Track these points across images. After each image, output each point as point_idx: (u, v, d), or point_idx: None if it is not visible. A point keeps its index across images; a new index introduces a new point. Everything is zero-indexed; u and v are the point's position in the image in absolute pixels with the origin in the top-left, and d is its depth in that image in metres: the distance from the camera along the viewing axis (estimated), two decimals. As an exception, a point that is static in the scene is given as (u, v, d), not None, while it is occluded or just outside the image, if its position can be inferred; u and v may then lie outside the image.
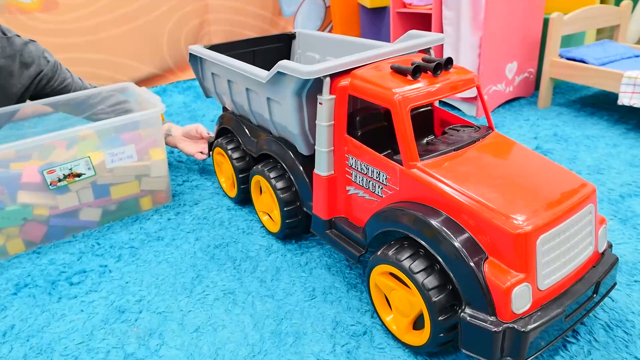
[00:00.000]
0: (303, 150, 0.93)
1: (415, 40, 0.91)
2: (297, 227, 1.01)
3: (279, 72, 0.85)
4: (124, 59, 2.16)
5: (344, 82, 0.80)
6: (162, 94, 2.17)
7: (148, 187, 1.18)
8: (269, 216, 1.08)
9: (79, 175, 1.07)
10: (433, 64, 0.76)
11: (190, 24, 2.32)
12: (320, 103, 0.81)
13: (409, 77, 0.76)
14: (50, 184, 1.04)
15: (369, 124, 0.84)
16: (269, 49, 1.28)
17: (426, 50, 0.94)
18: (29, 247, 1.08)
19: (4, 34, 1.18)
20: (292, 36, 1.32)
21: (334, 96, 0.81)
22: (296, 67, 0.79)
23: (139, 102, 1.31)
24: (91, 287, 0.94)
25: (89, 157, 1.07)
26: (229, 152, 1.15)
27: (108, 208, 1.15)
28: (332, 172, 0.87)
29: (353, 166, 0.83)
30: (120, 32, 2.14)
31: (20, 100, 1.24)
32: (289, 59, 1.33)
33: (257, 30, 2.53)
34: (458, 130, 0.84)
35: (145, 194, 1.19)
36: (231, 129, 1.16)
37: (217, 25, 2.41)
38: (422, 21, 1.83)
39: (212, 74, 1.14)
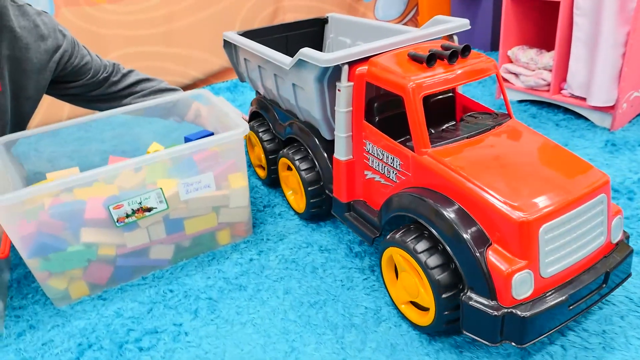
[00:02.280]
0: (326, 134, 0.95)
1: (439, 26, 0.90)
2: (321, 206, 1.03)
3: (301, 60, 0.86)
4: (195, 52, 1.99)
5: (362, 69, 0.81)
6: (234, 90, 1.99)
7: (226, 220, 1.00)
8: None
9: (149, 209, 0.90)
10: (449, 52, 0.75)
11: (264, 12, 2.11)
12: (338, 90, 0.83)
13: (425, 65, 0.76)
14: (118, 221, 0.88)
15: (386, 111, 0.84)
16: (302, 34, 1.29)
17: (450, 37, 0.92)
18: (94, 290, 0.93)
19: (14, 1, 1.02)
20: (324, 21, 1.31)
21: (351, 83, 0.83)
22: (315, 55, 0.82)
23: (213, 114, 1.13)
24: (164, 356, 0.78)
25: (161, 188, 0.89)
26: (260, 134, 1.20)
27: (181, 244, 0.98)
28: (351, 156, 0.89)
29: (370, 151, 0.85)
30: (191, 22, 1.97)
31: (41, 80, 1.08)
32: (321, 43, 1.34)
33: (334, 17, 2.29)
34: (476, 118, 0.83)
35: (223, 227, 1.01)
36: (262, 112, 1.21)
37: (292, 12, 2.19)
38: (545, 11, 1.52)
39: (245, 59, 1.16)
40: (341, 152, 0.89)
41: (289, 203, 1.15)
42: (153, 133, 1.19)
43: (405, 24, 2.47)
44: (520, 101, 1.57)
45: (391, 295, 0.82)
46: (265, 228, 1.07)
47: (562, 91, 1.43)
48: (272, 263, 0.96)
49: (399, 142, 0.78)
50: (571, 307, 0.67)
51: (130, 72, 1.23)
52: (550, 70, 1.44)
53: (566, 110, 1.46)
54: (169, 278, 0.95)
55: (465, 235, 0.66)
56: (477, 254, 0.65)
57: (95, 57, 1.18)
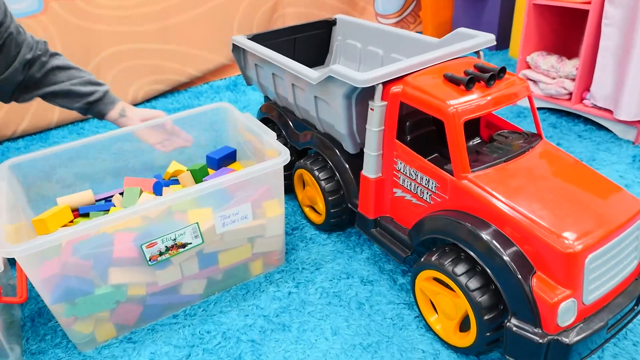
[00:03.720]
0: (350, 148, 0.93)
1: (467, 42, 0.87)
2: (342, 216, 1.01)
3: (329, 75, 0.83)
4: (192, 49, 1.88)
5: (396, 88, 0.79)
6: (234, 89, 1.90)
7: (261, 250, 0.93)
8: (313, 209, 1.08)
9: (184, 245, 0.83)
10: (487, 75, 0.74)
11: (263, 7, 2.01)
12: (371, 109, 0.81)
13: (462, 87, 0.74)
14: (150, 260, 0.80)
15: (418, 129, 0.83)
16: (310, 36, 1.27)
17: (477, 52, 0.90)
18: (121, 331, 0.85)
19: None
20: (332, 23, 1.29)
21: (385, 103, 0.80)
22: (349, 74, 0.78)
23: (234, 128, 1.05)
24: (213, 412, 0.72)
25: (197, 223, 0.82)
26: None
27: (214, 278, 0.91)
28: (380, 174, 0.87)
29: (401, 170, 0.83)
30: (187, 18, 1.85)
31: None
32: (328, 46, 1.32)
33: (335, 10, 2.20)
34: (507, 138, 0.81)
35: (257, 257, 0.94)
36: (274, 120, 1.17)
37: (292, 6, 2.08)
38: (566, 17, 1.49)
39: (256, 65, 1.13)
40: (371, 170, 0.87)
41: (305, 215, 1.10)
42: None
43: (404, 18, 2.41)
44: (539, 109, 1.54)
45: (426, 319, 0.82)
46: (298, 255, 1.01)
47: (584, 101, 1.40)
48: (313, 297, 0.90)
49: (433, 164, 0.77)
50: (609, 331, 0.67)
51: (57, 54, 1.07)
52: (573, 80, 1.41)
53: (586, 121, 1.44)
54: (202, 316, 0.88)
55: (510, 263, 0.65)
56: (523, 283, 0.65)
57: (24, 32, 1.02)
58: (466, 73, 0.76)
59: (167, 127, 1.07)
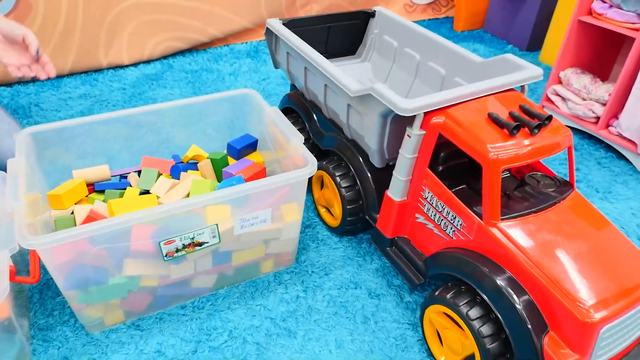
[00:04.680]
0: (376, 162, 0.92)
1: (513, 75, 0.84)
2: (357, 224, 1.01)
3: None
4: (216, 8, 1.80)
5: (437, 119, 0.77)
6: (255, 56, 1.84)
7: (274, 251, 0.94)
8: (328, 210, 1.08)
9: (200, 244, 0.82)
10: (534, 123, 0.72)
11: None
12: (408, 136, 0.79)
13: (506, 131, 0.72)
14: (166, 255, 0.80)
15: (451, 160, 0.82)
16: (345, 26, 1.23)
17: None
18: (129, 317, 0.86)
19: None
20: (371, 14, 1.24)
21: (424, 132, 0.78)
22: (392, 99, 0.76)
23: (262, 118, 1.02)
24: (215, 414, 0.74)
25: (216, 225, 0.81)
26: None
27: (225, 273, 0.91)
28: (405, 198, 0.86)
29: (428, 199, 0.83)
30: (216, -26, 1.77)
31: None
32: (362, 36, 1.28)
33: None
34: (539, 182, 0.80)
35: (269, 257, 0.94)
36: (299, 111, 1.16)
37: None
38: (608, 39, 1.44)
39: (287, 53, 1.10)
40: (396, 193, 0.87)
41: (319, 214, 1.10)
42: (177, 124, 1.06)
43: (437, 1, 2.31)
44: (561, 126, 1.51)
45: (430, 349, 0.83)
46: (308, 256, 1.01)
47: (610, 128, 1.38)
48: (320, 305, 0.91)
49: (462, 200, 0.77)
50: None
51: None
52: (603, 104, 1.38)
53: (608, 147, 1.42)
54: (210, 310, 0.89)
55: (526, 319, 0.67)
56: (535, 340, 0.66)
57: None
58: (512, 116, 0.74)
59: (28, 48, 0.97)
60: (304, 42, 1.01)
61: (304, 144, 1.11)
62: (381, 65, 1.24)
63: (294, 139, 0.91)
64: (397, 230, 0.90)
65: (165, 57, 1.79)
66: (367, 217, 0.97)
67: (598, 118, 1.40)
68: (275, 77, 1.70)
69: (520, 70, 0.86)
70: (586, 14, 1.38)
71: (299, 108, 1.15)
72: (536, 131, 0.72)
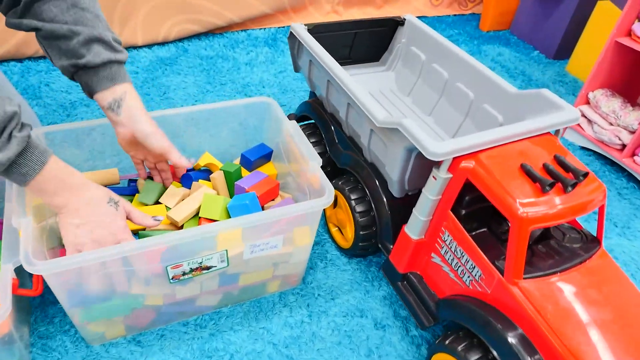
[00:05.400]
0: (395, 192, 0.88)
1: (549, 118, 0.79)
2: (369, 249, 0.99)
3: None
4: (236, -8, 1.73)
5: (467, 164, 0.73)
6: (273, 45, 1.78)
7: (282, 273, 0.91)
8: (339, 230, 1.05)
9: (208, 268, 0.80)
10: (571, 181, 0.68)
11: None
12: (433, 177, 0.76)
13: (539, 186, 0.68)
14: (172, 278, 0.78)
15: (474, 204, 0.78)
16: (371, 33, 1.18)
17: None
18: (130, 331, 0.85)
19: None
20: (399, 22, 1.18)
21: (451, 175, 0.74)
22: (421, 140, 0.72)
23: (279, 129, 0.98)
24: None
25: (226, 250, 0.79)
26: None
27: (231, 293, 0.89)
28: (423, 237, 0.83)
29: (447, 242, 0.80)
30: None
31: None
32: (389, 44, 1.23)
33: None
34: (564, 236, 0.76)
35: (276, 279, 0.92)
36: (316, 121, 1.12)
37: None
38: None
39: (310, 62, 1.06)
40: (414, 232, 0.83)
41: (329, 231, 1.08)
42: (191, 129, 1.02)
43: (465, -4, 2.22)
44: (583, 148, 1.47)
45: None
46: (315, 277, 0.99)
47: (635, 157, 1.34)
48: (324, 332, 0.89)
49: (482, 249, 0.73)
50: None
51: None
52: (631, 132, 1.33)
53: (630, 177, 1.38)
54: (212, 329, 0.87)
55: None
56: None
57: None
58: (546, 169, 0.70)
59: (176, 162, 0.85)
60: (329, 56, 0.96)
61: (321, 154, 1.09)
62: (406, 77, 1.19)
63: (313, 162, 0.87)
64: (410, 266, 0.87)
65: (180, 39, 1.73)
66: (379, 245, 0.94)
67: (624, 146, 1.35)
68: (292, 71, 1.65)
69: (557, 111, 0.82)
70: (625, 36, 1.31)
71: (317, 119, 1.10)
72: (571, 189, 0.68)
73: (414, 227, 0.82)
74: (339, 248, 1.05)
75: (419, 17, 2.10)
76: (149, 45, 1.68)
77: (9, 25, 0.74)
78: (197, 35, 1.77)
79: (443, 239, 0.79)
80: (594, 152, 1.46)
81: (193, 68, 1.60)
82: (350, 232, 0.99)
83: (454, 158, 0.73)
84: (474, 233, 0.79)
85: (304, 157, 0.89)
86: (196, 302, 0.87)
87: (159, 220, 0.81)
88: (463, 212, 0.78)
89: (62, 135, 0.89)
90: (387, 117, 0.80)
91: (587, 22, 1.79)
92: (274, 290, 0.95)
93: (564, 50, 1.93)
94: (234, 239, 0.78)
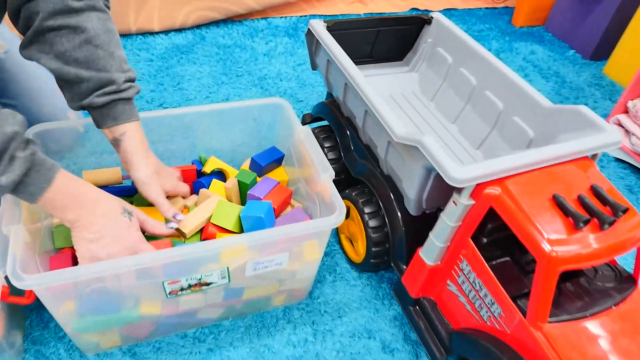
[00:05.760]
0: (412, 210, 0.81)
1: (587, 140, 0.71)
2: (380, 266, 0.94)
3: None
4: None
5: (492, 191, 0.66)
6: (294, 34, 1.71)
7: (288, 287, 0.87)
8: (351, 243, 1.00)
9: (208, 284, 0.75)
10: (609, 219, 0.60)
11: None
12: (454, 202, 0.68)
13: (571, 220, 0.61)
14: (169, 293, 0.74)
15: (497, 232, 0.71)
16: (396, 31, 1.11)
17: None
18: (126, 341, 0.81)
19: None
20: (427, 21, 1.10)
21: (473, 202, 0.67)
22: (442, 163, 0.65)
23: (290, 132, 0.92)
24: None
25: (227, 267, 0.74)
26: (325, 150, 1.06)
27: (234, 306, 0.85)
28: (439, 262, 0.77)
29: (465, 272, 0.73)
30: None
31: None
32: (413, 43, 1.15)
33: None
34: (596, 272, 0.70)
35: (282, 293, 0.88)
36: (331, 124, 1.05)
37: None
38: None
39: (328, 61, 0.98)
40: (430, 257, 0.77)
41: (340, 241, 1.02)
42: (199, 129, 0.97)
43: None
44: (619, 160, 1.37)
45: None
46: (322, 291, 0.94)
47: (675, 174, 1.24)
48: (329, 354, 0.84)
49: (504, 286, 0.67)
50: None
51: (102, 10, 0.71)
52: (672, 147, 1.23)
53: None
54: (211, 344, 0.83)
55: None
56: None
57: None
58: (581, 202, 0.63)
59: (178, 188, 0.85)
60: (348, 59, 0.89)
61: (334, 164, 1.03)
62: (431, 79, 1.12)
63: (324, 174, 0.81)
64: (424, 291, 0.81)
65: (198, 26, 1.67)
66: (392, 264, 0.88)
67: (663, 161, 1.26)
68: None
69: (596, 132, 0.74)
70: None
71: (333, 122, 1.04)
72: (608, 227, 0.61)
73: (430, 253, 0.76)
74: (350, 260, 1.00)
75: (449, 9, 2.00)
76: (166, 32, 1.63)
77: (22, 55, 0.70)
78: (216, 23, 1.70)
79: (461, 267, 0.73)
80: (631, 165, 1.36)
81: (209, 57, 1.54)
82: (361, 246, 0.93)
83: (478, 184, 0.66)
84: (495, 262, 0.72)
85: (316, 168, 0.83)
86: (198, 315, 0.83)
87: (173, 227, 0.77)
88: (484, 240, 0.71)
89: (65, 133, 0.85)
90: (406, 133, 0.73)
91: (629, 22, 1.67)
92: (278, 304, 0.90)
93: (602, 51, 1.81)
94: (238, 256, 0.73)
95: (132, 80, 0.73)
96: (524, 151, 0.68)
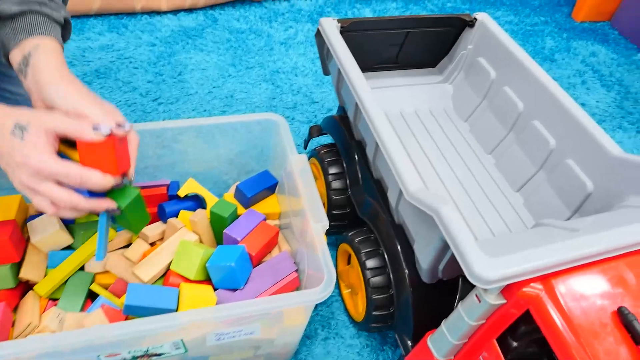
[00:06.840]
0: (424, 278, 0.65)
1: None
2: (385, 322, 0.74)
3: None
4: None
5: (531, 290, 0.47)
6: (316, 20, 1.51)
7: (266, 351, 0.71)
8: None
9: (158, 354, 0.61)
10: None
11: None
12: (477, 298, 0.50)
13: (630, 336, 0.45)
14: (110, 365, 0.60)
15: (529, 335, 0.53)
16: (429, 33, 0.90)
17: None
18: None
19: None
20: (469, 22, 0.89)
21: (504, 302, 0.49)
22: (466, 252, 0.47)
23: (285, 154, 0.75)
24: None
25: (181, 340, 0.59)
26: (329, 176, 0.87)
27: (197, 370, 0.71)
28: (452, 357, 0.59)
29: None
30: None
31: None
32: (449, 49, 0.95)
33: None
34: None
35: (258, 358, 0.72)
36: (340, 150, 0.87)
37: None
38: None
39: (339, 70, 0.78)
40: (440, 351, 0.60)
41: (339, 289, 0.86)
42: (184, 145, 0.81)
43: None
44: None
45: None
46: (311, 351, 0.78)
47: None
48: None
49: None
50: None
51: None
52: None
53: None
54: (169, 413, 0.69)
55: None
56: None
57: None
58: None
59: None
60: (361, 78, 0.71)
61: (340, 195, 0.85)
62: (467, 95, 0.92)
63: (316, 225, 0.64)
64: (431, 381, 0.65)
65: (211, 6, 1.49)
66: (396, 336, 0.72)
67: None
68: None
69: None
70: None
71: (341, 144, 0.86)
72: None
73: (440, 346, 0.58)
74: (348, 312, 0.83)
75: (498, -2, 1.75)
76: (175, 12, 1.46)
77: None
78: (232, 3, 1.52)
79: (481, 371, 0.56)
80: None
81: (219, 44, 1.37)
82: (361, 304, 0.76)
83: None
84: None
85: (307, 214, 0.66)
86: (151, 380, 0.69)
87: (102, 132, 0.50)
88: (514, 344, 0.53)
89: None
90: (421, 192, 0.55)
91: None
92: (255, 366, 0.75)
93: (678, 57, 1.54)
94: (195, 328, 0.58)
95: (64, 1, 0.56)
96: (581, 236, 0.49)
